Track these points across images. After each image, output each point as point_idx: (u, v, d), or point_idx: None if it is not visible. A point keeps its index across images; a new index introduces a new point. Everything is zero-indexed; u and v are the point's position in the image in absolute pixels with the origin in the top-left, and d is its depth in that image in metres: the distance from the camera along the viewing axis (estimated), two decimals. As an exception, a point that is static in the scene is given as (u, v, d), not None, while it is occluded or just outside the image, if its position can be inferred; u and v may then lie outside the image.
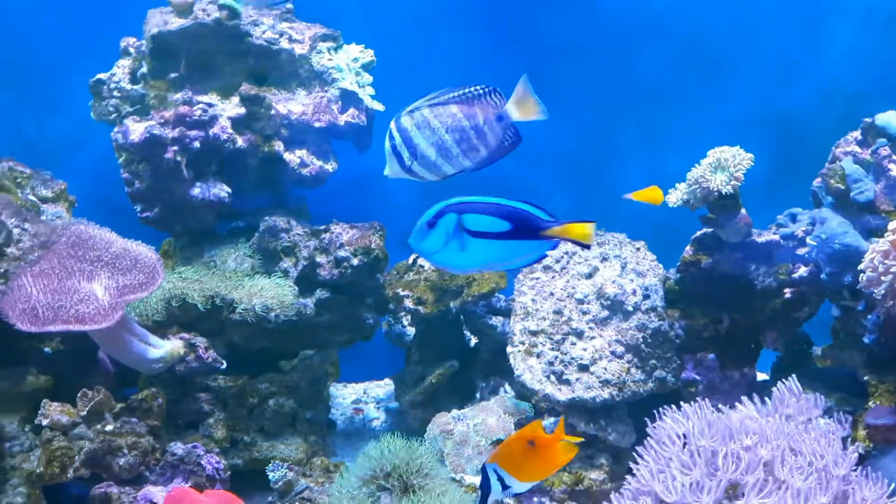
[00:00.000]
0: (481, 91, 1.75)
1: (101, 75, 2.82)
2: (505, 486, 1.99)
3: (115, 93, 2.78)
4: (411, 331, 2.97)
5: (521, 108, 1.75)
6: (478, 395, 2.84)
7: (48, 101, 3.10)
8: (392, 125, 1.72)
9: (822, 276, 2.34)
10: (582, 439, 2.25)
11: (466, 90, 1.75)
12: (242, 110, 2.59)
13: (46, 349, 2.77)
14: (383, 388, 3.69)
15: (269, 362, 2.77)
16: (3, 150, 2.83)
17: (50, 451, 2.15)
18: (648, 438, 2.13)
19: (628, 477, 2.12)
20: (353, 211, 2.84)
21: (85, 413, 2.18)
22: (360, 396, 3.54)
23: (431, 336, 2.80)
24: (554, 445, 2.01)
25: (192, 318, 2.52)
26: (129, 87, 2.76)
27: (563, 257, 2.65)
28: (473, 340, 3.00)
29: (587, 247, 2.16)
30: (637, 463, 2.07)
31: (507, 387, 2.82)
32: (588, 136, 3.48)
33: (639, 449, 2.11)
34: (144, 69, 2.74)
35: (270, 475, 2.40)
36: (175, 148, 2.48)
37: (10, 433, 2.36)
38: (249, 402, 2.59)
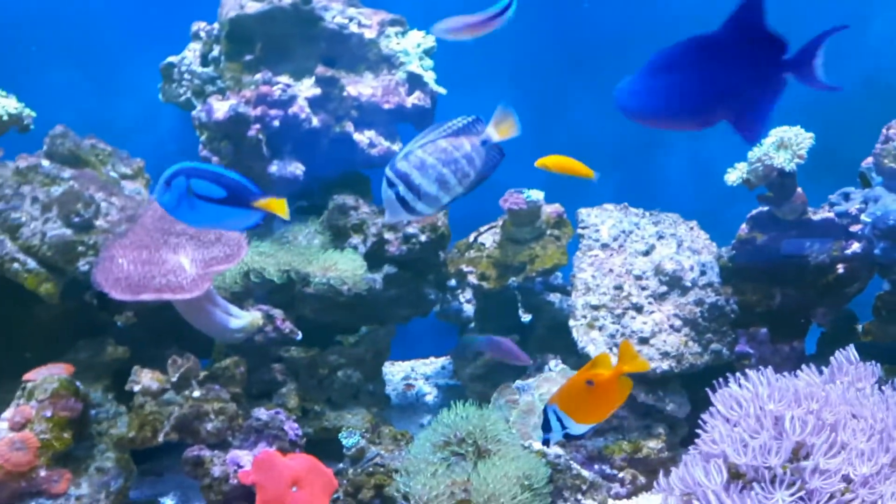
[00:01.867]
0: (463, 122, 1.88)
1: (172, 58, 2.91)
2: (565, 429, 2.10)
3: (186, 75, 2.87)
4: (468, 307, 3.07)
5: (500, 128, 1.87)
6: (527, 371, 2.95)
7: (117, 84, 3.19)
8: (389, 173, 1.84)
9: (876, 251, 2.43)
10: (647, 366, 2.34)
11: (449, 124, 1.88)
12: (318, 91, 2.68)
13: (119, 322, 2.88)
14: (430, 365, 3.80)
15: (332, 336, 2.88)
16: (75, 131, 2.92)
17: (142, 416, 2.25)
18: (716, 404, 2.23)
19: (696, 440, 2.21)
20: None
21: (175, 379, 2.27)
22: (408, 373, 3.64)
23: (491, 312, 2.90)
24: (612, 383, 2.10)
25: (267, 290, 2.62)
26: (199, 69, 2.84)
27: (620, 235, 2.75)
28: (525, 317, 3.10)
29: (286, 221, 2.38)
30: (702, 428, 2.16)
31: (552, 364, 2.92)
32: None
33: (705, 416, 2.21)
34: (216, 52, 2.83)
35: (344, 441, 2.49)
36: (257, 126, 2.57)
37: (96, 400, 2.46)
38: (319, 374, 2.69)
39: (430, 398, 3.35)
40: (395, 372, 3.68)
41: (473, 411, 2.33)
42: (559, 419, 2.11)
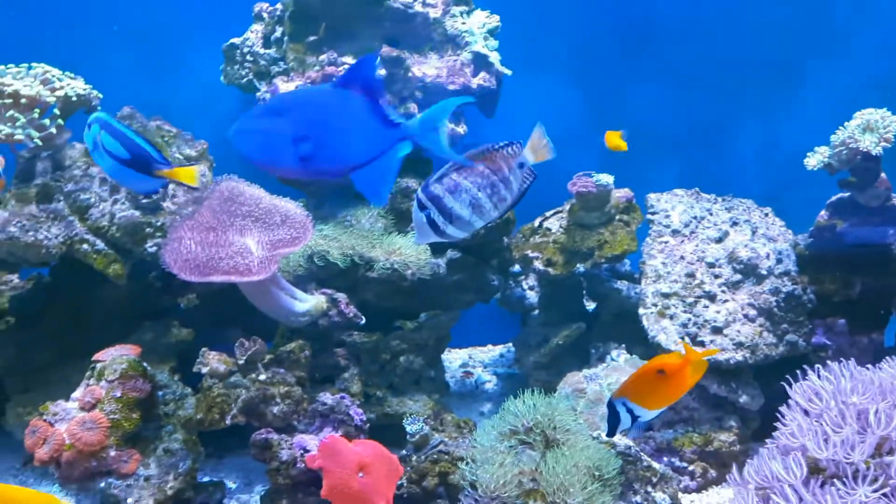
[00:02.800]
0: (501, 144, 1.82)
1: (235, 40, 2.90)
2: (634, 418, 2.06)
3: (248, 57, 2.85)
4: (531, 294, 3.01)
5: (537, 152, 1.84)
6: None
7: (178, 66, 3.19)
8: (421, 195, 1.79)
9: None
10: (717, 350, 2.28)
11: (487, 147, 1.83)
12: (382, 72, 2.64)
13: (182, 304, 2.89)
14: (487, 353, 3.76)
15: (392, 320, 2.85)
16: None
17: (210, 398, 2.24)
18: (794, 396, 2.15)
19: (774, 433, 2.14)
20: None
21: (243, 362, 2.26)
22: (465, 361, 3.61)
23: (556, 298, 2.84)
24: (685, 367, 2.05)
25: (329, 274, 2.59)
26: (261, 51, 2.83)
27: (691, 222, 2.67)
28: (590, 305, 3.04)
29: (195, 189, 2.41)
30: (779, 421, 2.09)
31: (614, 353, 2.85)
32: (701, 108, 3.48)
33: (783, 408, 2.14)
34: (278, 33, 2.81)
35: (408, 428, 2.46)
36: (323, 107, 2.55)
37: (162, 382, 2.47)
38: (382, 359, 2.66)
39: (489, 386, 3.31)
40: (451, 359, 3.65)
41: (541, 400, 2.28)
42: (628, 409, 2.07)
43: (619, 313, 2.80)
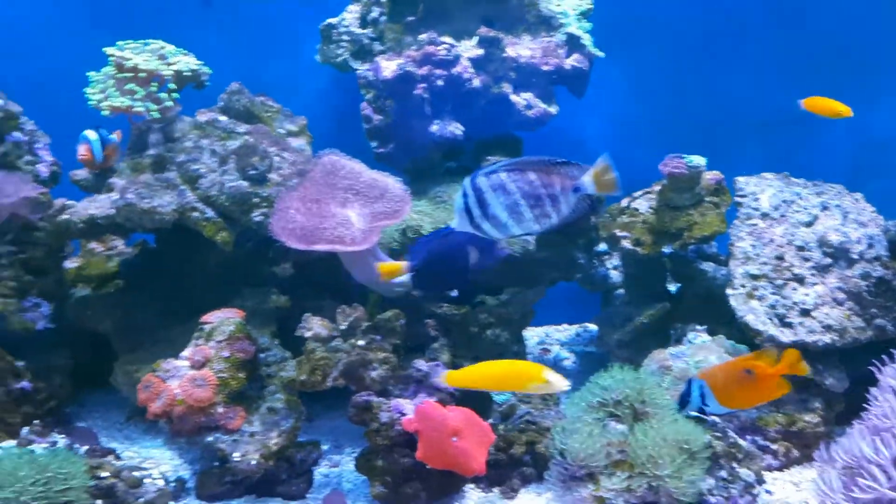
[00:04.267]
0: (561, 161, 1.82)
1: (332, 20, 3.00)
2: (705, 405, 2.10)
3: (344, 37, 2.94)
4: (614, 274, 3.06)
5: (600, 182, 1.84)
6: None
7: (274, 44, 3.29)
8: (466, 183, 1.83)
9: None
10: (807, 371, 2.29)
11: (547, 159, 1.83)
12: (480, 52, 2.71)
13: (278, 272, 3.01)
14: (564, 332, 3.81)
15: (475, 295, 2.92)
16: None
17: (313, 361, 2.35)
18: (886, 378, 2.16)
19: (864, 414, 2.15)
20: (563, 155, 2.95)
21: (344, 327, 2.36)
22: (542, 338, 3.67)
23: (641, 278, 2.88)
24: (772, 379, 2.07)
25: (421, 248, 2.68)
26: (358, 31, 2.92)
27: (780, 205, 2.69)
28: (673, 286, 3.07)
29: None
30: (869, 403, 2.11)
31: (691, 335, 2.88)
32: (789, 92, 3.45)
33: (874, 390, 2.15)
34: (375, 14, 2.89)
35: (496, 398, 2.55)
36: (423, 85, 2.63)
37: (264, 345, 2.59)
38: (470, 331, 2.75)
39: (567, 363, 3.37)
40: (528, 336, 3.71)
41: (630, 375, 2.34)
42: (702, 394, 2.12)
43: (706, 294, 2.83)
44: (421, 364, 2.40)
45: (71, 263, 3.02)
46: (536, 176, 1.85)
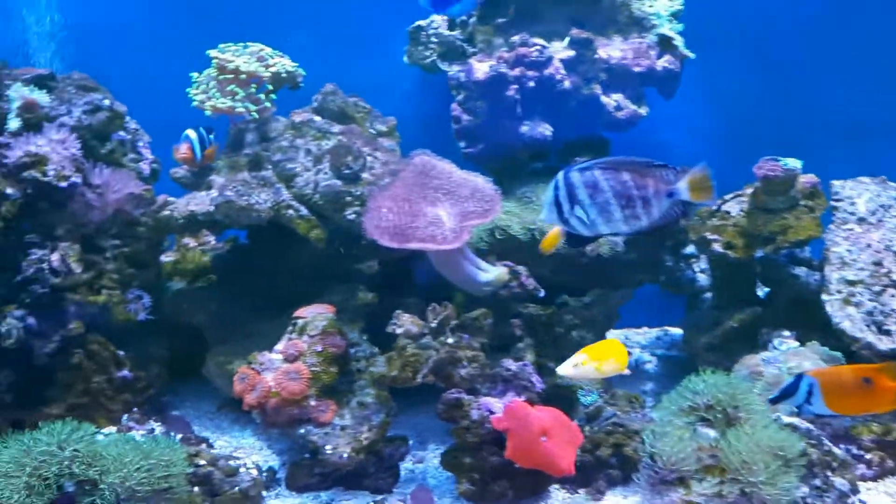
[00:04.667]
0: (658, 163, 1.78)
1: (421, 22, 3.04)
2: (809, 403, 2.05)
3: (433, 38, 2.98)
4: (701, 277, 3.03)
5: (695, 189, 1.79)
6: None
7: (362, 45, 3.35)
8: (560, 176, 1.79)
9: None
10: None
11: (644, 160, 1.79)
12: (571, 53, 2.72)
13: (364, 270, 3.06)
14: (644, 335, 3.78)
15: (561, 295, 2.92)
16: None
17: (405, 357, 2.39)
18: None
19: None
20: (651, 157, 2.93)
21: (434, 325, 2.39)
22: (622, 340, 3.64)
23: (731, 282, 2.84)
24: (891, 393, 2.02)
25: (507, 248, 2.70)
26: (446, 32, 2.95)
27: (878, 210, 2.62)
28: (762, 290, 3.02)
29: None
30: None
31: (776, 341, 2.82)
32: (885, 96, 3.36)
33: None
34: (464, 16, 2.92)
35: (583, 399, 2.55)
36: (515, 86, 2.65)
37: (354, 340, 2.64)
38: (555, 332, 2.75)
39: (649, 366, 3.35)
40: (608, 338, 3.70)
41: (722, 378, 2.31)
42: (809, 392, 2.07)
43: (797, 300, 2.77)
44: (509, 363, 2.41)
45: (167, 257, 3.14)
46: (630, 176, 1.83)
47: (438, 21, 2.99)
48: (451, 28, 2.97)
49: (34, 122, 2.47)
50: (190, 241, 3.17)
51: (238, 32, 2.92)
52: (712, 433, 2.25)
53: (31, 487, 2.13)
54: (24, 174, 2.38)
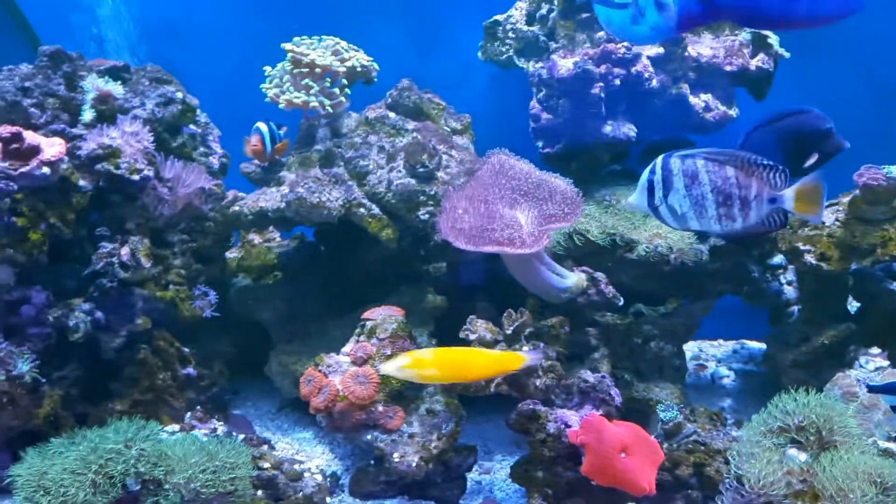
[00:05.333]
0: (767, 164, 1.62)
1: (498, 17, 2.94)
2: None
3: (510, 34, 2.88)
4: (788, 289, 2.87)
5: (802, 201, 1.66)
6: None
7: (436, 41, 3.27)
8: (659, 160, 1.64)
9: None
10: None
11: (753, 158, 1.64)
12: (660, 50, 2.59)
13: (433, 272, 2.98)
14: (719, 348, 3.62)
15: (638, 304, 2.79)
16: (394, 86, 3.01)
17: (475, 364, 2.29)
18: None
19: None
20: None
21: (510, 332, 2.30)
22: (696, 353, 3.50)
23: (822, 295, 2.68)
24: None
25: (585, 253, 2.58)
26: (524, 28, 2.85)
27: (985, 222, 2.44)
28: (853, 305, 2.85)
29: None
30: None
31: (863, 359, 2.65)
32: None
33: None
34: (544, 11, 2.81)
35: (662, 415, 2.42)
36: (600, 84, 2.53)
37: (423, 344, 2.56)
38: (632, 342, 2.63)
39: (727, 381, 3.19)
40: (682, 350, 3.56)
41: (816, 399, 2.16)
42: None
43: (890, 316, 2.60)
44: (587, 375, 2.30)
45: (231, 254, 3.09)
46: (735, 172, 1.70)
47: (517, 16, 2.88)
48: (529, 23, 2.86)
49: (108, 113, 2.44)
50: (255, 238, 3.12)
51: (307, 26, 2.87)
52: (803, 456, 2.12)
53: (97, 485, 2.10)
54: (97, 166, 2.35)
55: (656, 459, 2.23)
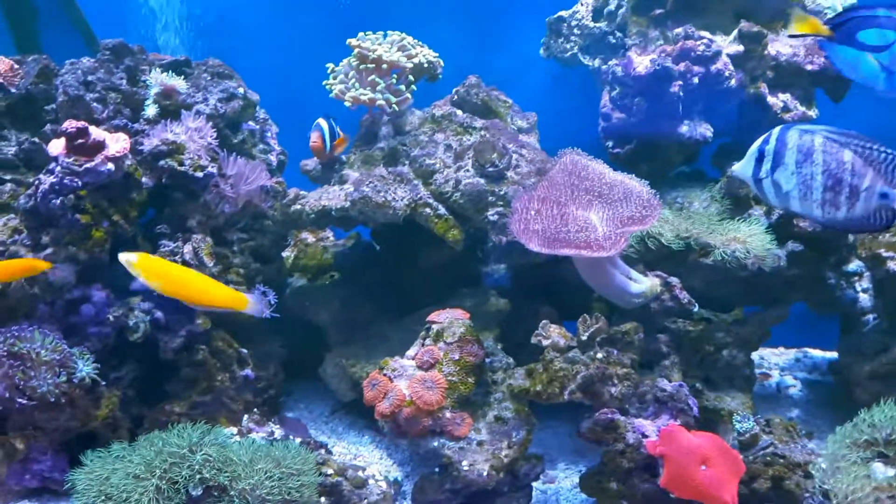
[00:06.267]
0: (889, 155, 1.52)
1: (563, 13, 2.86)
2: None
3: (575, 30, 2.80)
4: (863, 297, 2.77)
5: None
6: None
7: (498, 37, 3.20)
8: (776, 130, 1.53)
9: None
10: None
11: (877, 145, 1.52)
12: (740, 48, 2.50)
13: (492, 273, 2.91)
14: (781, 356, 3.52)
15: (709, 309, 2.70)
16: (454, 83, 2.93)
17: (552, 371, 2.21)
18: None
19: None
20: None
21: (585, 338, 2.22)
22: (758, 362, 3.39)
23: (900, 305, 2.59)
24: None
25: (656, 257, 2.50)
26: (591, 24, 2.76)
27: None
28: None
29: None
30: None
31: None
32: None
33: None
34: (612, 6, 2.73)
35: (738, 426, 2.33)
36: (679, 83, 2.44)
37: (489, 349, 2.48)
38: (704, 350, 2.54)
39: (793, 391, 3.09)
40: (739, 358, 3.45)
41: (907, 413, 2.08)
42: None
43: (974, 327, 2.50)
44: (664, 383, 2.22)
45: (286, 253, 3.03)
46: (852, 158, 1.59)
47: (583, 12, 2.80)
48: (595, 19, 2.77)
49: (172, 109, 2.39)
50: (308, 237, 3.06)
51: (367, 21, 2.80)
52: (891, 471, 2.03)
53: (161, 491, 2.05)
54: (160, 163, 2.30)
55: (738, 472, 2.14)
